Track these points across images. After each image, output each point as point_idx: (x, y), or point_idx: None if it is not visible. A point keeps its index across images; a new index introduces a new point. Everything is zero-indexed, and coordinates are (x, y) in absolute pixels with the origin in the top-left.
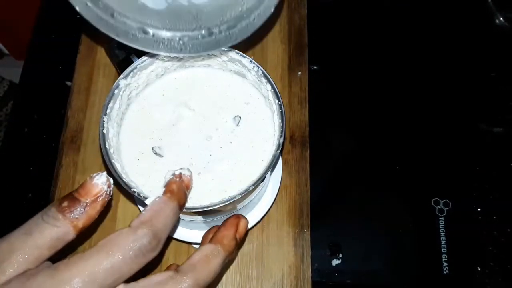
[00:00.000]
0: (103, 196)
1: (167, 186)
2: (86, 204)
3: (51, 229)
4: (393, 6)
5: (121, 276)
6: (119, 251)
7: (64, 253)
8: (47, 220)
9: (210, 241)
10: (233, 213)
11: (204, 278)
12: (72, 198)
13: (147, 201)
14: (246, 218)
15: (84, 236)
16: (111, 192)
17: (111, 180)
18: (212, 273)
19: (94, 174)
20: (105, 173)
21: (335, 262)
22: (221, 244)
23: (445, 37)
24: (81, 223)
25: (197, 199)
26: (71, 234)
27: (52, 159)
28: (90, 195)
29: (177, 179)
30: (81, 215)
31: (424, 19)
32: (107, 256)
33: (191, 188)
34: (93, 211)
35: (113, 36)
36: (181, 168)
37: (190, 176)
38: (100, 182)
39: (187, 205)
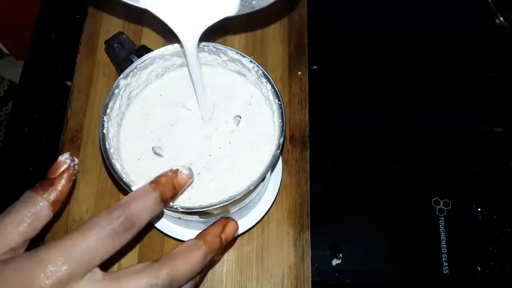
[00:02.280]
0: (68, 169)
1: (156, 176)
2: (54, 179)
3: (25, 205)
4: (393, 6)
5: (96, 254)
6: (94, 230)
7: None
8: (22, 200)
9: (196, 237)
10: (231, 214)
11: (182, 270)
12: (43, 179)
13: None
14: (236, 222)
15: None
16: (76, 166)
17: (75, 158)
18: (190, 266)
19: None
20: (68, 153)
21: (335, 262)
22: (204, 239)
23: (445, 37)
24: (52, 196)
25: (196, 199)
26: (45, 208)
27: (52, 159)
28: (57, 171)
29: (170, 173)
30: (51, 189)
31: (424, 19)
32: (83, 236)
33: (186, 187)
34: (61, 183)
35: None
36: (183, 166)
37: (188, 175)
38: (64, 158)
39: (187, 205)
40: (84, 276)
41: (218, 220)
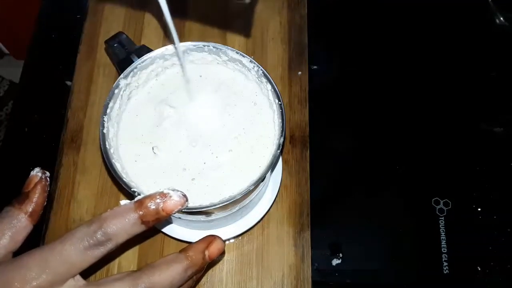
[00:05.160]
0: (40, 182)
1: (143, 197)
2: (29, 192)
3: (4, 220)
4: (394, 6)
5: (72, 265)
6: (71, 240)
7: None
8: (2, 216)
9: (179, 251)
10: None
11: (161, 281)
12: (19, 194)
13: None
14: (223, 242)
15: None
16: (47, 177)
17: (46, 171)
18: (170, 278)
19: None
20: (39, 167)
21: (335, 262)
22: (186, 253)
23: (446, 36)
24: (29, 208)
25: (192, 202)
26: (23, 221)
27: (52, 159)
28: (31, 185)
29: (157, 196)
30: (27, 201)
31: (425, 19)
32: (61, 246)
33: (173, 213)
34: (35, 195)
35: None
36: (175, 190)
37: (177, 202)
38: (35, 172)
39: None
40: (64, 283)
41: (205, 236)
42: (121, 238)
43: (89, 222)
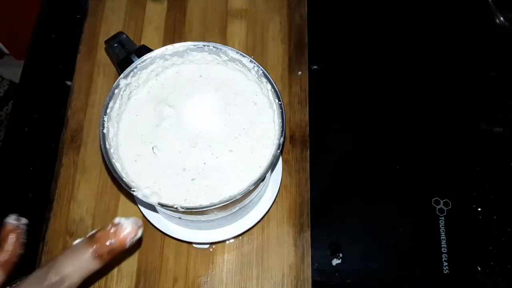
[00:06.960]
0: (14, 230)
1: (95, 231)
2: (1, 241)
3: None
4: (394, 6)
5: None
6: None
7: None
8: None
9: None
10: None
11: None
12: None
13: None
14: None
15: None
16: (23, 225)
17: (22, 218)
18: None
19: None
20: (11, 216)
21: (335, 262)
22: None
23: (446, 36)
24: (0, 257)
25: (192, 202)
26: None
27: (52, 159)
28: (4, 233)
29: (110, 228)
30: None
31: (425, 19)
32: None
33: (128, 242)
34: (9, 245)
35: None
36: (126, 218)
37: (131, 232)
38: (10, 220)
39: (187, 205)
40: None
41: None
42: (76, 277)
43: (44, 269)
